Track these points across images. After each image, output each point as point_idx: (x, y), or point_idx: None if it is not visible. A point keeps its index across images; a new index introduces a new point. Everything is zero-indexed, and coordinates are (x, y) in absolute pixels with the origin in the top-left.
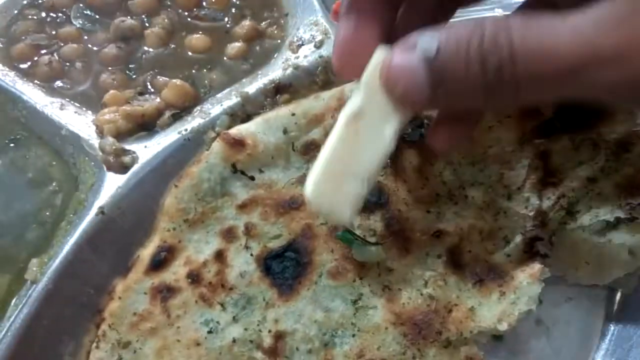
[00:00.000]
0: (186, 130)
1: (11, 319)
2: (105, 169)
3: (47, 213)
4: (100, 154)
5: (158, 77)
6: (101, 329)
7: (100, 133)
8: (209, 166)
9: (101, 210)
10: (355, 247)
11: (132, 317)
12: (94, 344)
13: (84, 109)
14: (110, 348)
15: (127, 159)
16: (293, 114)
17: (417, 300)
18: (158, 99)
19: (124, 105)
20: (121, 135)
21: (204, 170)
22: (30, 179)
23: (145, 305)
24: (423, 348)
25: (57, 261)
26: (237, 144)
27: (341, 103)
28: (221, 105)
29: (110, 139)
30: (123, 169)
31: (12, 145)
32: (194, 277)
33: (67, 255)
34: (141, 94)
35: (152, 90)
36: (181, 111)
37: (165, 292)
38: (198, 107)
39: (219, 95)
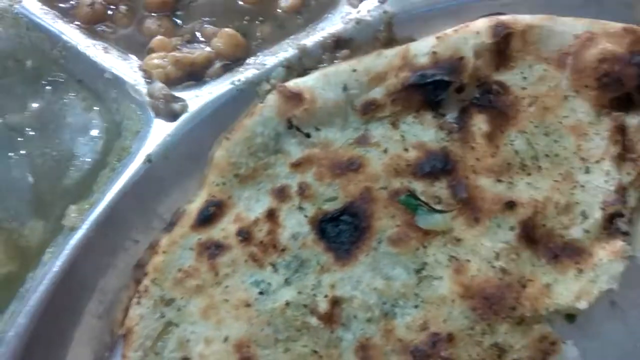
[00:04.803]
0: (239, 80)
1: (47, 266)
2: (153, 115)
3: (88, 159)
4: (148, 99)
5: (206, 25)
6: (143, 284)
7: (148, 78)
8: (263, 120)
9: (148, 159)
10: (419, 214)
11: (176, 273)
12: (135, 300)
13: (128, 53)
14: (153, 304)
15: (177, 106)
16: (354, 71)
17: (488, 273)
18: (208, 48)
19: (173, 52)
20: (169, 83)
21: (257, 123)
22: (69, 123)
23: (191, 261)
24: (494, 324)
25: (99, 209)
26: (294, 98)
27: (405, 62)
28: (276, 56)
29: (160, 84)
30: (172, 116)
31: (49, 87)
32: (245, 235)
33: (110, 203)
34: (189, 42)
35: (201, 39)
36: (232, 62)
37: (213, 249)
38: (252, 58)
39: (273, 47)
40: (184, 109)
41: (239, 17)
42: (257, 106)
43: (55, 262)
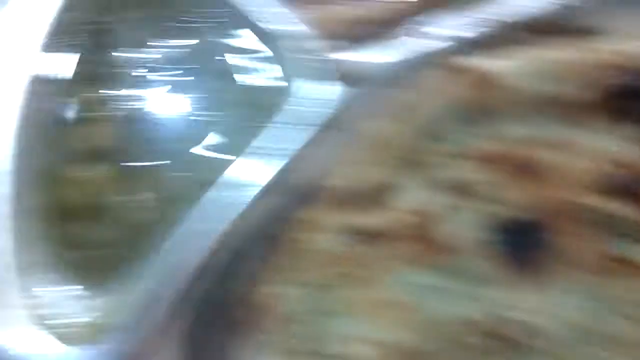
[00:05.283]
0: (412, 50)
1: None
2: (315, 75)
3: (239, 116)
4: (312, 57)
5: None
6: (288, 262)
7: (315, 33)
8: (437, 100)
9: (315, 125)
10: (618, 242)
11: (325, 256)
12: (276, 276)
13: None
14: (295, 285)
15: (343, 69)
16: (551, 61)
17: None
18: (371, 6)
19: (337, 7)
20: (337, 41)
21: (430, 103)
22: (225, 70)
23: (340, 246)
24: None
25: (262, 172)
26: (478, 81)
27: (618, 60)
28: (458, 28)
29: (330, 42)
30: (337, 79)
31: (206, 25)
32: (406, 229)
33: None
34: None
35: None
36: (405, 28)
37: (367, 237)
38: (430, 27)
39: (455, 17)
40: (350, 73)
41: None
42: (432, 84)
43: (211, 223)
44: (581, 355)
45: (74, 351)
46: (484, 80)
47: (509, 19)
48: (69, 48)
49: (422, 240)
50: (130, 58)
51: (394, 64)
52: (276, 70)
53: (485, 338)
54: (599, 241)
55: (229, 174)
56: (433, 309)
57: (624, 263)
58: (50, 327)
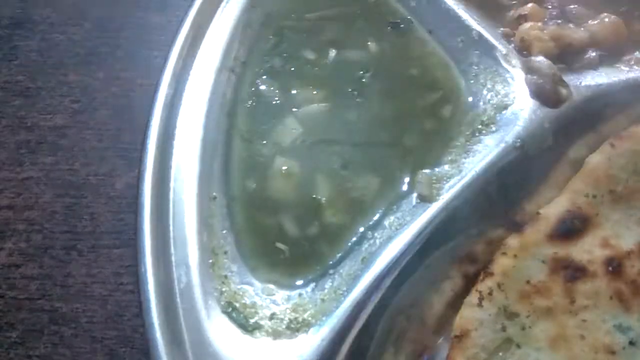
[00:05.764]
0: (623, 80)
1: (389, 231)
2: (528, 94)
3: (429, 125)
4: (526, 75)
5: (573, 6)
6: (486, 285)
7: (523, 49)
8: None
9: (519, 144)
10: None
11: (524, 284)
12: (475, 300)
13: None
14: (496, 313)
15: (563, 91)
16: None
17: None
18: (582, 29)
19: (550, 25)
20: (548, 61)
21: None
22: (413, 76)
23: (542, 276)
24: None
25: (460, 186)
26: None
27: None
28: None
29: (548, 61)
30: (553, 102)
31: (390, 28)
32: (615, 267)
33: (473, 183)
34: (555, 17)
35: (566, 16)
36: (610, 54)
37: (571, 271)
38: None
39: None
40: (569, 96)
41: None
42: None
43: (404, 231)
44: None
45: (262, 343)
46: None
47: None
48: (257, 43)
49: (628, 283)
50: (320, 56)
51: (610, 90)
52: (485, 83)
53: None
54: None
55: (424, 184)
56: (634, 355)
57: None
58: (238, 318)
